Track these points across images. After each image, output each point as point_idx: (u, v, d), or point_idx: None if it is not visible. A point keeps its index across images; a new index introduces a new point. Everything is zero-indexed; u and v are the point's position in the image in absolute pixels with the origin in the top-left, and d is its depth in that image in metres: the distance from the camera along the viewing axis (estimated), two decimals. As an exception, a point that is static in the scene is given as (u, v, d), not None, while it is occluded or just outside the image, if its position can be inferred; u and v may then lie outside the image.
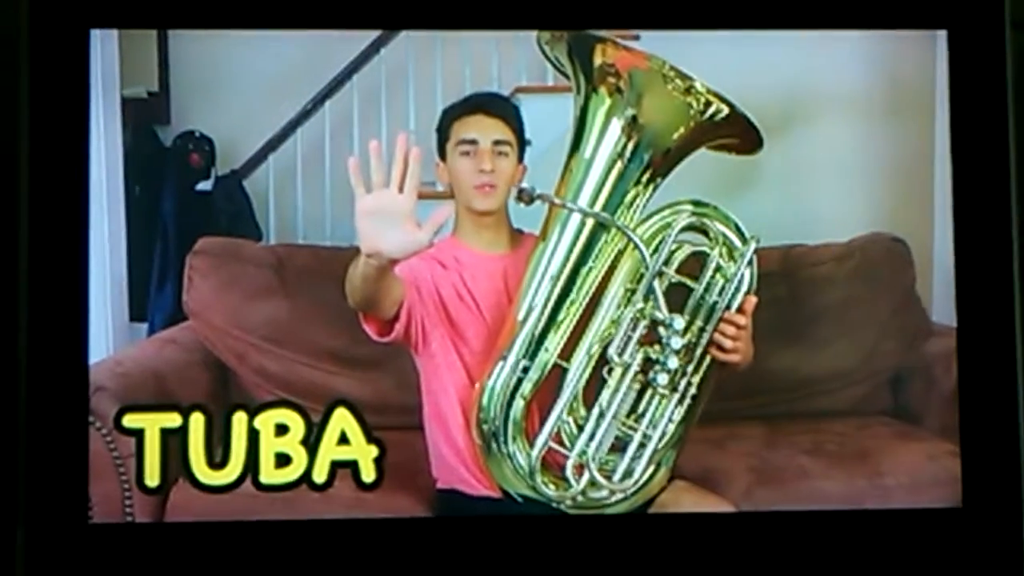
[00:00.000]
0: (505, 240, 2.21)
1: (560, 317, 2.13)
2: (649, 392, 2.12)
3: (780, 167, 2.35)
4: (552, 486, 2.12)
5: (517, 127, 2.20)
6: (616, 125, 2.11)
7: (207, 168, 2.44)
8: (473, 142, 2.17)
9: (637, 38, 2.32)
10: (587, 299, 2.14)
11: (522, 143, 2.20)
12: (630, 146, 2.11)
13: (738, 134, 2.13)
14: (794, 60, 2.36)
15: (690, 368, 2.11)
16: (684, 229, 2.12)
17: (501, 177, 2.17)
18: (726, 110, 2.09)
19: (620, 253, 2.14)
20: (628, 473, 2.12)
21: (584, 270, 2.13)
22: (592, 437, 2.11)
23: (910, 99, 2.36)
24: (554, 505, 2.13)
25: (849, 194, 2.39)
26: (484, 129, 2.18)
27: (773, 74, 2.35)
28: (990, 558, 2.13)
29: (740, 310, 2.11)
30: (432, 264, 2.17)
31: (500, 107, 2.22)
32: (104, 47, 2.23)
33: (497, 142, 2.17)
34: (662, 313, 2.09)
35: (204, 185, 2.45)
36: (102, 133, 2.27)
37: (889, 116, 2.39)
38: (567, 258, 2.13)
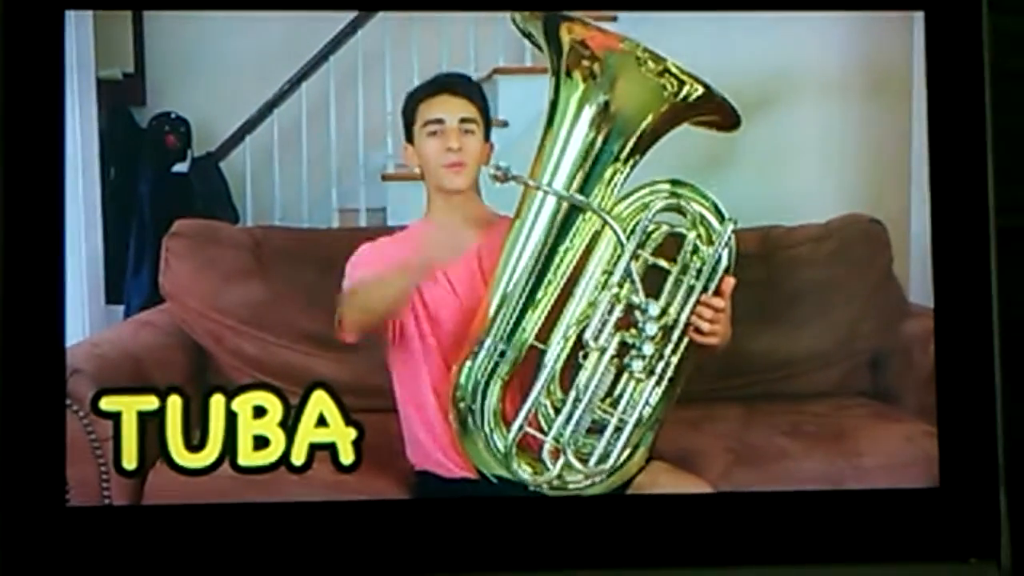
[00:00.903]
0: (480, 221, 2.21)
1: (537, 298, 2.13)
2: (625, 376, 2.13)
3: (758, 148, 2.34)
4: (528, 469, 2.13)
5: (482, 105, 2.20)
6: (589, 111, 2.11)
7: (183, 150, 2.43)
8: (440, 121, 2.18)
9: (615, 19, 2.31)
10: (564, 280, 2.14)
11: (488, 121, 2.21)
12: (604, 130, 2.10)
13: (714, 111, 2.13)
14: (771, 42, 2.35)
15: (667, 351, 2.11)
16: (662, 210, 2.13)
17: (469, 155, 2.18)
18: (701, 90, 2.09)
19: (597, 234, 2.14)
20: (604, 457, 2.13)
21: (561, 250, 2.13)
22: (568, 420, 2.11)
23: (887, 80, 2.36)
24: (531, 488, 2.13)
25: (826, 175, 2.39)
26: (450, 109, 2.18)
27: (750, 55, 2.35)
28: (967, 537, 2.14)
29: (718, 292, 2.11)
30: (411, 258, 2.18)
31: (464, 86, 2.22)
32: (79, 28, 2.21)
33: (463, 120, 2.17)
34: (638, 298, 2.09)
35: (180, 167, 2.44)
36: (77, 115, 2.25)
37: (866, 97, 2.39)
38: (543, 238, 2.13)
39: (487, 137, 2.21)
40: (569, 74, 2.11)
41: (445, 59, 2.46)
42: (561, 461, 2.11)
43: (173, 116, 2.41)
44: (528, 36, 2.18)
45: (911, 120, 2.30)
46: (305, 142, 2.64)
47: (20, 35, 2.09)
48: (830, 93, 2.39)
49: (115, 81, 2.40)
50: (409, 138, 2.21)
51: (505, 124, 2.24)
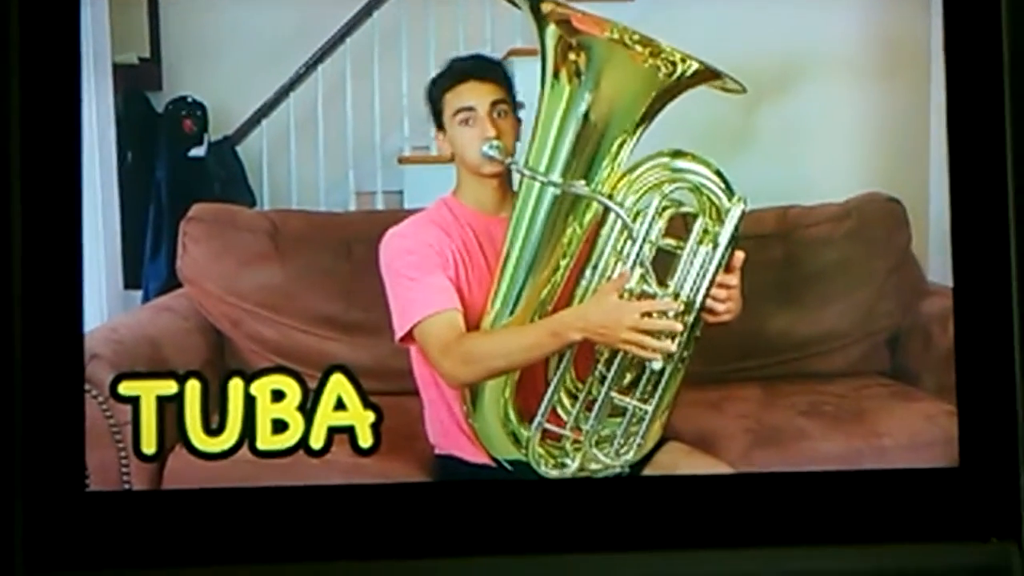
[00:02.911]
0: (508, 202, 2.18)
1: (544, 280, 2.11)
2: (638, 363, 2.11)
3: (775, 128, 2.34)
4: (549, 461, 2.13)
5: (509, 86, 2.18)
6: (579, 110, 2.07)
7: (200, 134, 2.43)
8: (471, 109, 2.15)
9: (632, -1, 2.31)
10: (573, 261, 2.12)
11: (515, 99, 2.18)
12: (598, 122, 2.07)
13: (713, 80, 2.10)
14: (788, 20, 2.35)
15: (683, 336, 2.09)
16: (670, 193, 2.10)
17: (507, 139, 2.15)
18: (695, 66, 2.05)
19: (604, 213, 2.11)
20: (624, 447, 2.12)
21: (568, 232, 2.11)
22: (587, 411, 2.10)
23: (905, 58, 2.35)
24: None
25: (845, 154, 2.38)
26: (479, 94, 2.16)
27: (768, 34, 2.34)
28: (986, 517, 2.13)
29: (728, 268, 2.09)
30: (454, 242, 2.16)
31: (489, 70, 2.19)
32: (95, 13, 2.22)
33: (495, 103, 2.15)
34: (652, 287, 2.07)
35: (197, 151, 2.44)
36: (93, 100, 2.26)
37: (884, 75, 2.38)
38: (546, 222, 2.10)
39: (516, 113, 2.18)
40: (557, 71, 2.08)
41: (461, 41, 2.46)
42: (582, 453, 2.11)
43: (189, 100, 2.41)
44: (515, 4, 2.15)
45: (930, 98, 2.30)
46: (321, 125, 2.64)
47: (37, 21, 2.09)
48: (848, 72, 2.38)
49: (131, 66, 2.41)
50: (439, 125, 2.19)
51: (521, 105, 2.22)
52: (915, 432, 2.24)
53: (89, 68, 2.20)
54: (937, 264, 2.29)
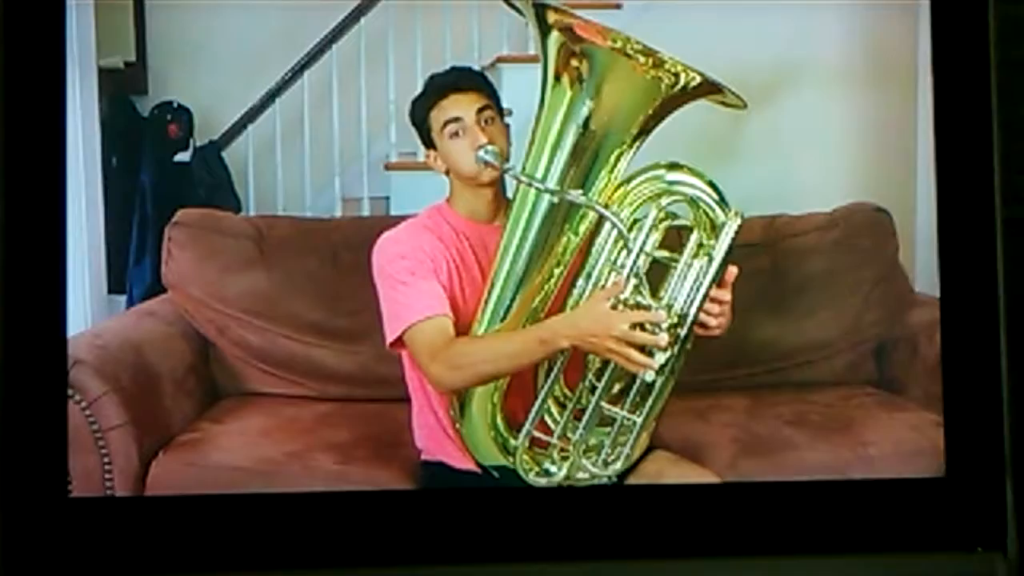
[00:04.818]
0: (502, 210, 2.17)
1: (537, 288, 2.10)
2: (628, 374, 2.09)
3: (764, 137, 2.34)
4: (535, 469, 2.11)
5: (491, 92, 2.16)
6: (579, 115, 2.06)
7: (185, 138, 2.43)
8: (458, 119, 2.13)
9: (619, 7, 2.30)
10: (566, 270, 2.10)
11: (500, 105, 2.16)
12: (598, 129, 2.05)
13: (714, 94, 2.08)
14: (777, 30, 2.35)
15: (675, 348, 2.06)
16: (666, 206, 2.08)
17: (499, 144, 2.13)
18: (698, 79, 2.03)
19: (599, 223, 2.09)
20: (611, 456, 2.11)
21: (562, 240, 2.09)
22: (575, 420, 2.09)
23: (893, 68, 2.36)
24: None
25: (832, 164, 2.39)
26: (464, 105, 2.14)
27: (756, 44, 2.34)
28: (972, 527, 2.13)
29: (721, 283, 2.07)
30: (449, 250, 2.14)
31: (469, 80, 2.17)
32: (80, 17, 2.21)
33: (480, 110, 2.13)
34: (646, 299, 2.04)
35: (182, 156, 2.44)
36: (78, 103, 2.25)
37: (872, 85, 2.38)
38: (540, 230, 2.07)
39: (502, 119, 2.16)
40: (558, 78, 2.06)
41: (448, 48, 2.46)
42: (570, 462, 2.09)
43: (175, 105, 2.41)
44: (517, 10, 2.13)
45: (917, 109, 2.30)
46: (307, 131, 2.63)
47: (21, 23, 2.08)
48: (836, 82, 2.39)
49: (117, 70, 2.40)
50: (429, 144, 2.16)
51: (509, 112, 2.21)
52: (901, 442, 2.24)
53: (74, 72, 2.19)
54: (924, 274, 2.30)
